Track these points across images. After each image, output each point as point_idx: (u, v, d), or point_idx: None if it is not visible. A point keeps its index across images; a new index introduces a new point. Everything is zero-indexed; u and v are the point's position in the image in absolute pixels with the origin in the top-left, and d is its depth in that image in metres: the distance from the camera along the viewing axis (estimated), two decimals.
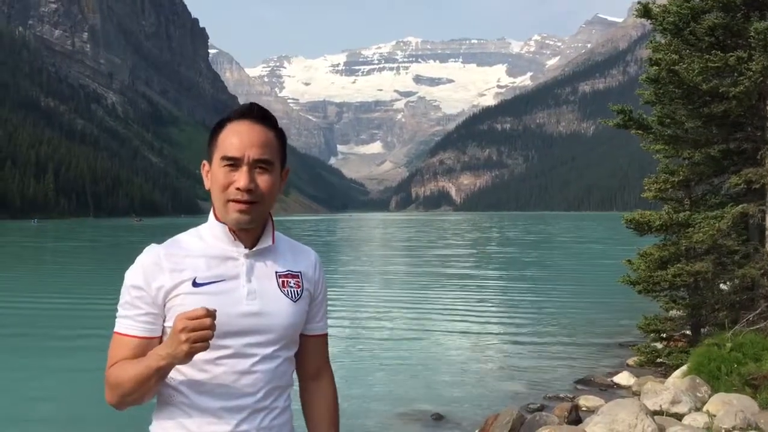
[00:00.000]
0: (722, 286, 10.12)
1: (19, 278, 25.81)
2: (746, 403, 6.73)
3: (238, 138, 1.62)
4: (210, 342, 1.48)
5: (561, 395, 8.59)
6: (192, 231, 1.73)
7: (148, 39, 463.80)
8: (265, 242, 1.71)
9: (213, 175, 1.66)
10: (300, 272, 1.76)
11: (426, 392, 9.05)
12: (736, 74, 8.57)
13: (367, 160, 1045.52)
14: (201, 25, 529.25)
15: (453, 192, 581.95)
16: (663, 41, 9.34)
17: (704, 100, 9.12)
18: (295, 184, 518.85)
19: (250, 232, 1.69)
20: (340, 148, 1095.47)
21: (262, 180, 1.64)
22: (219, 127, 1.68)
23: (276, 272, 1.71)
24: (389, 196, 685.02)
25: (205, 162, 1.71)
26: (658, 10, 9.01)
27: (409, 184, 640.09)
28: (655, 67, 8.98)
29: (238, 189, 1.61)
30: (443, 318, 15.30)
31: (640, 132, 9.62)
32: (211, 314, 1.47)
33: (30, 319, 15.20)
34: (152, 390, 1.58)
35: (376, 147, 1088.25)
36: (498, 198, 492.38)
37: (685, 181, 9.76)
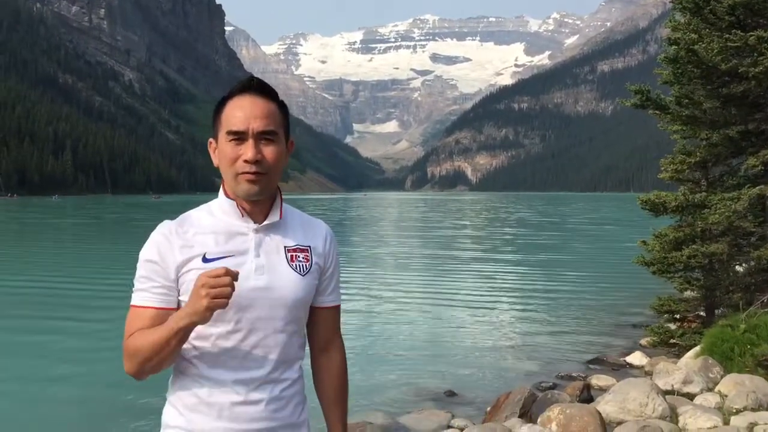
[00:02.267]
0: (737, 268, 10.09)
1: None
2: (758, 383, 6.74)
3: (241, 112, 1.66)
4: (228, 301, 1.53)
5: (573, 374, 8.64)
6: (203, 207, 1.77)
7: (164, 16, 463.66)
8: (274, 217, 1.74)
9: (220, 151, 1.70)
10: (309, 246, 1.78)
11: (439, 370, 9.14)
12: (756, 54, 8.46)
13: (383, 139, 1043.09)
14: (217, 1, 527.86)
15: (469, 172, 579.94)
16: (682, 20, 9.23)
17: (723, 80, 9.03)
18: (311, 162, 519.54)
19: (259, 207, 1.73)
20: (356, 126, 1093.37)
21: (268, 151, 1.67)
22: (221, 104, 1.72)
23: (285, 247, 1.74)
24: (405, 175, 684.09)
25: (211, 140, 1.76)
26: None
27: (425, 163, 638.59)
28: (673, 47, 8.88)
29: (245, 161, 1.64)
30: (457, 297, 15.36)
31: (657, 112, 9.55)
32: (231, 274, 1.52)
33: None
34: (171, 354, 1.62)
35: (392, 126, 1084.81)
36: (514, 178, 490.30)
37: (702, 162, 9.69)
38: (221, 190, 1.75)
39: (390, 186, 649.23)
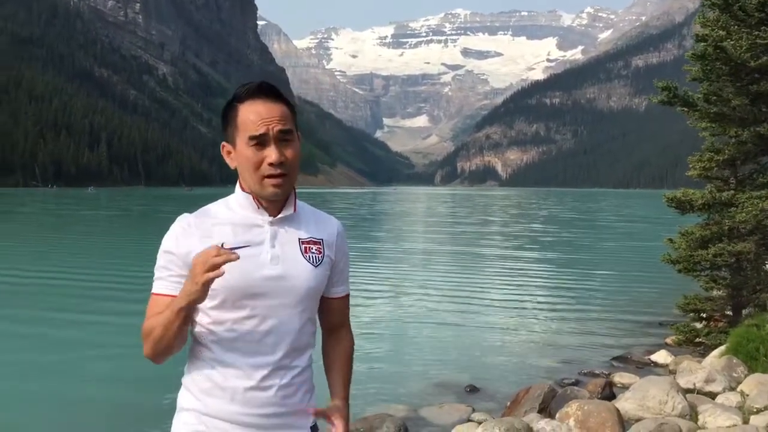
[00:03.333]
0: (766, 267, 9.98)
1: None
2: None
3: (258, 116, 1.73)
4: (223, 270, 1.60)
5: (596, 371, 8.64)
6: (221, 201, 1.86)
7: (198, 10, 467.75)
8: (288, 210, 1.82)
9: (240, 156, 1.77)
10: (322, 239, 1.86)
11: (462, 364, 9.21)
12: None
13: (413, 133, 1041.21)
14: None
15: (499, 167, 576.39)
16: (712, 16, 9.15)
17: (752, 78, 8.94)
18: (341, 156, 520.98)
19: (275, 201, 1.81)
20: (386, 121, 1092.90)
21: (289, 151, 1.76)
22: (231, 108, 1.79)
23: (299, 239, 1.83)
24: (434, 170, 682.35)
25: (224, 143, 1.83)
26: None
27: (455, 158, 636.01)
28: (702, 43, 8.81)
29: (270, 164, 1.73)
30: (482, 293, 15.38)
31: (685, 109, 9.48)
32: (221, 251, 1.61)
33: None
34: (177, 335, 1.71)
35: (422, 120, 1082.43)
36: (545, 174, 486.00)
37: (730, 160, 9.60)
38: (237, 185, 1.83)
39: (419, 181, 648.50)
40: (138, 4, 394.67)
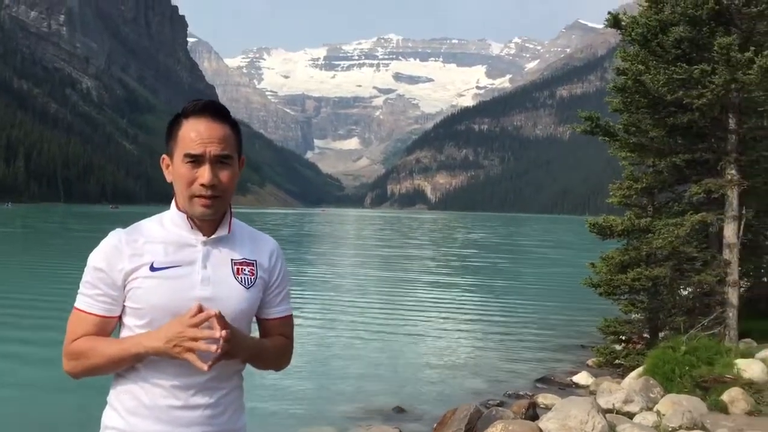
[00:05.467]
0: (681, 292, 10.43)
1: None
2: (695, 404, 6.99)
3: (197, 135, 1.70)
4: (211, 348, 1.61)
5: (521, 393, 8.81)
6: (154, 217, 1.82)
7: (126, 24, 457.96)
8: (222, 231, 1.79)
9: (176, 171, 1.74)
10: (255, 261, 1.83)
11: (389, 387, 9.22)
12: (700, 86, 8.85)
13: (343, 155, 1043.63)
14: (180, 12, 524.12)
15: (428, 191, 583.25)
16: (631, 51, 9.60)
17: (669, 111, 9.40)
18: (271, 177, 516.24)
19: (209, 221, 1.78)
20: (317, 142, 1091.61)
21: (224, 175, 1.73)
22: (176, 122, 1.76)
23: (232, 260, 1.79)
24: (365, 192, 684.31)
25: (165, 156, 1.79)
26: (627, 20, 9.26)
27: (385, 181, 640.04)
28: (622, 77, 9.23)
29: (202, 185, 1.70)
30: (410, 316, 15.48)
31: (606, 139, 9.88)
32: (218, 315, 1.62)
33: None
34: (121, 369, 1.73)
35: (353, 143, 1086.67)
36: (473, 198, 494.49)
37: (648, 188, 10.05)
38: (173, 202, 1.80)
39: (349, 203, 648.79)
40: (62, 16, 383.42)
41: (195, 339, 1.61)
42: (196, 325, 1.61)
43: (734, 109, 9.08)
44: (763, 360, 8.19)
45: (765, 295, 12.81)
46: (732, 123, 9.09)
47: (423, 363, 10.79)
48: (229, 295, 1.75)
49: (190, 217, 1.77)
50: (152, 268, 1.71)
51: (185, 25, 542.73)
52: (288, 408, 8.11)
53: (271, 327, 1.91)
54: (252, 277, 1.81)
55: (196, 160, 1.70)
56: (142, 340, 1.66)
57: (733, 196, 9.05)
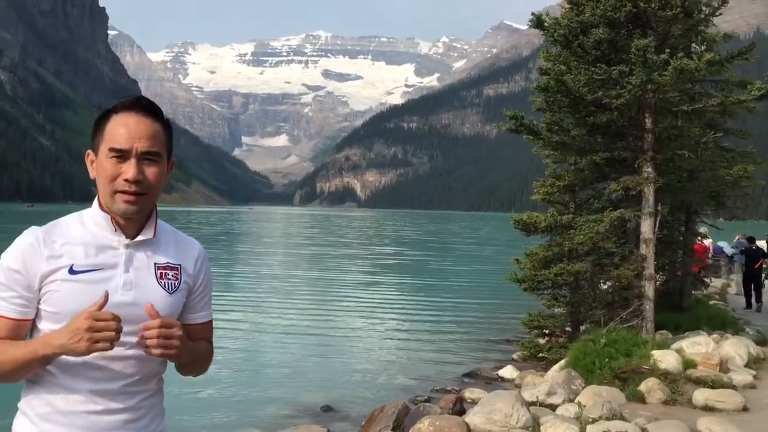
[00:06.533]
0: (601, 286, 10.77)
1: None
2: (614, 394, 7.23)
3: (125, 129, 1.65)
4: (112, 345, 1.55)
5: (448, 388, 8.90)
6: (75, 215, 1.74)
7: (42, 16, 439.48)
8: (147, 234, 1.73)
9: (100, 166, 1.68)
10: (179, 265, 1.78)
11: (317, 386, 9.16)
12: (618, 87, 9.14)
13: (272, 152, 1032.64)
14: (101, 4, 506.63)
15: (358, 188, 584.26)
16: (554, 52, 9.83)
17: (589, 110, 9.67)
18: (197, 174, 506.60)
19: (133, 222, 1.71)
20: (244, 139, 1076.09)
21: (150, 172, 1.67)
22: (105, 117, 1.70)
23: (155, 264, 1.74)
24: (294, 190, 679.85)
25: (89, 151, 1.73)
26: (550, 22, 9.47)
27: (314, 178, 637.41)
28: (545, 77, 9.44)
29: (126, 180, 1.64)
30: (337, 313, 15.45)
31: (530, 137, 10.09)
32: (117, 319, 1.55)
33: None
34: (30, 373, 1.64)
35: (281, 140, 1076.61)
36: (402, 196, 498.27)
37: (570, 186, 10.32)
38: (95, 201, 1.73)
39: (278, 200, 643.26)
40: None
41: (97, 330, 1.53)
42: (99, 318, 1.53)
43: (650, 109, 9.42)
44: (677, 350, 8.54)
45: (679, 288, 13.39)
46: (648, 122, 9.43)
47: (352, 361, 10.77)
48: (152, 299, 1.68)
49: (114, 219, 1.69)
50: (71, 271, 1.64)
51: (106, 18, 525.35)
52: (213, 413, 7.94)
53: (193, 332, 1.84)
54: (176, 282, 1.76)
55: (122, 155, 1.64)
56: (50, 339, 1.58)
57: (649, 193, 9.39)
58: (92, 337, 1.52)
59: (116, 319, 1.54)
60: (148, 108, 1.70)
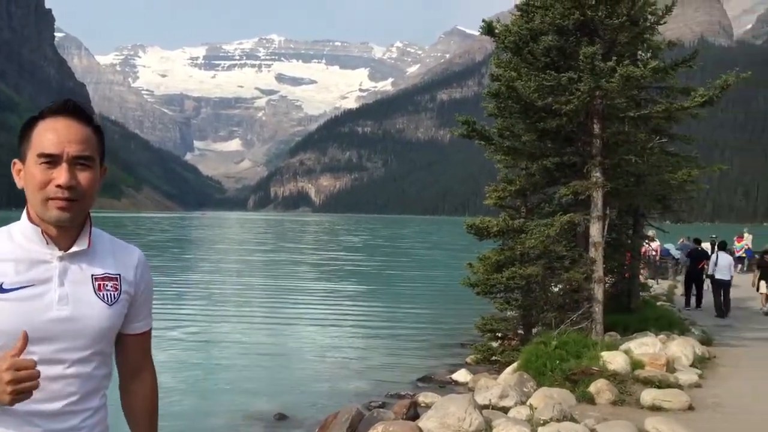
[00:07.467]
0: (552, 289, 10.93)
1: None
2: (565, 396, 7.33)
3: (55, 134, 1.56)
4: (33, 392, 1.45)
5: (402, 393, 8.90)
6: (2, 230, 1.65)
7: None
8: (81, 244, 1.64)
9: (28, 174, 1.58)
10: (119, 275, 1.69)
11: (271, 393, 9.07)
12: (567, 93, 9.30)
13: (225, 157, 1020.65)
14: (47, 5, 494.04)
15: (312, 193, 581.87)
16: (505, 58, 9.96)
17: (540, 116, 9.83)
18: (148, 179, 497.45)
19: (66, 233, 1.62)
20: (196, 144, 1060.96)
21: (83, 177, 1.58)
22: (31, 124, 1.61)
23: (92, 275, 1.65)
24: (247, 195, 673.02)
25: (15, 160, 1.64)
26: (501, 29, 9.59)
27: (268, 183, 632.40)
28: (496, 83, 9.55)
29: (58, 186, 1.55)
30: (290, 320, 15.33)
31: (482, 142, 10.19)
32: (35, 364, 1.45)
33: None
34: None
35: (234, 144, 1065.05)
36: (357, 200, 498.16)
37: (521, 191, 10.46)
38: (24, 214, 1.63)
39: (231, 206, 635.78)
40: None
41: (20, 380, 1.41)
42: (20, 367, 1.42)
43: (598, 115, 9.61)
44: (626, 351, 8.72)
45: (627, 290, 13.68)
46: (596, 128, 9.62)
47: (305, 368, 10.69)
48: (91, 314, 1.61)
49: (45, 231, 1.60)
50: (1, 290, 1.54)
51: (52, 19, 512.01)
52: (161, 426, 7.77)
53: (133, 344, 1.79)
54: (115, 293, 1.67)
55: (52, 161, 1.55)
56: None
57: (598, 197, 9.57)
58: (15, 389, 1.41)
59: (35, 364, 1.44)
60: (77, 111, 1.61)
